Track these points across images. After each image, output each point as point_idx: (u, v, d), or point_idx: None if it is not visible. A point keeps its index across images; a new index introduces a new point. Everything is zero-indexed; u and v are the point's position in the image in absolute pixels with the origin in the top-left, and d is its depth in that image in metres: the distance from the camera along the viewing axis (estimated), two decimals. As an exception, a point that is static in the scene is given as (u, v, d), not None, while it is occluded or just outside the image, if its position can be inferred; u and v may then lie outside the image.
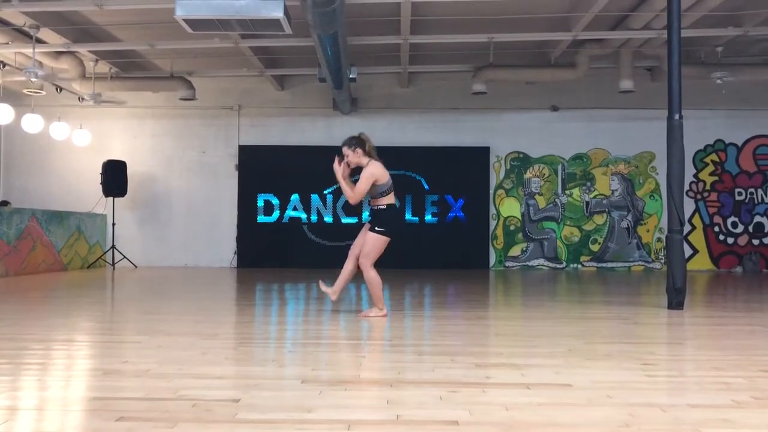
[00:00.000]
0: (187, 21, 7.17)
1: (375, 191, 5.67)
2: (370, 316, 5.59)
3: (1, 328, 4.91)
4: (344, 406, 2.72)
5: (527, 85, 12.15)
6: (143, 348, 4.11)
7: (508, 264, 12.86)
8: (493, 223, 12.87)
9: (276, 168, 12.89)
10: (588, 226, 12.88)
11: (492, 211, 12.87)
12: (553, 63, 11.16)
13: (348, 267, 5.80)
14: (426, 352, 4.02)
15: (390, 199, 5.74)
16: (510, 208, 12.90)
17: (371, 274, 5.68)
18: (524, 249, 12.89)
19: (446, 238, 12.70)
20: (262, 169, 12.95)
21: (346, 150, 5.76)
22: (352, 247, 5.84)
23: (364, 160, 5.67)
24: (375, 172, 5.61)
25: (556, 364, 3.62)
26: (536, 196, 12.91)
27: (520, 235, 12.88)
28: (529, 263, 12.86)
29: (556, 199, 12.90)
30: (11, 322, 5.19)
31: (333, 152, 13.45)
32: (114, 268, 12.18)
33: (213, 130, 13.17)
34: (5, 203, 11.76)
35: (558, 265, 12.83)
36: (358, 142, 5.73)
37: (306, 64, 11.20)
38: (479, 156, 12.79)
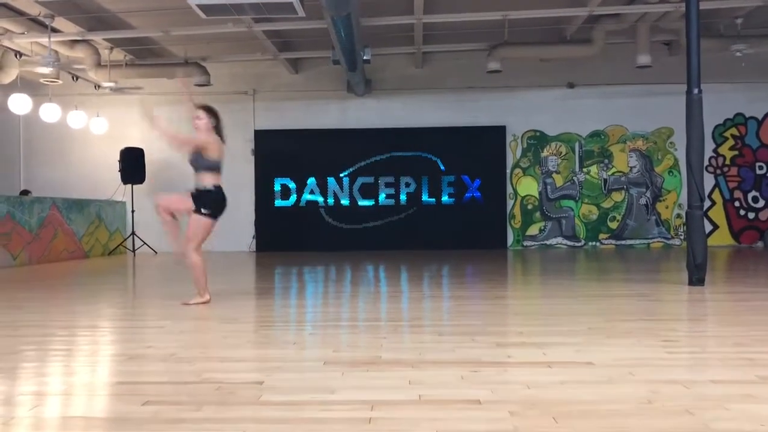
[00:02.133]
0: (200, 6, 7.17)
1: (206, 162, 5.40)
2: (191, 304, 5.28)
3: (26, 315, 4.99)
4: (366, 387, 2.75)
5: (542, 63, 12.03)
6: (166, 333, 4.16)
7: (526, 243, 12.82)
8: (510, 203, 12.83)
9: (292, 152, 12.92)
10: (606, 204, 12.80)
11: (509, 190, 12.83)
12: (568, 39, 11.04)
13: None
14: (446, 332, 4.03)
15: (218, 179, 5.51)
16: (527, 186, 12.84)
17: (195, 259, 5.35)
18: (542, 228, 12.84)
19: (463, 219, 12.69)
20: (278, 153, 12.98)
21: (203, 114, 5.55)
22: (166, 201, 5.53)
23: (210, 135, 5.50)
24: (214, 141, 5.48)
25: (577, 342, 3.62)
26: (554, 175, 12.84)
27: (537, 214, 12.83)
28: (548, 242, 12.82)
29: (574, 177, 12.82)
30: (36, 310, 5.28)
31: (348, 135, 13.53)
32: (134, 255, 12.31)
33: (228, 115, 12.99)
34: (26, 192, 11.90)
35: (576, 244, 12.78)
36: (217, 117, 5.61)
37: (320, 47, 11.17)
38: (495, 135, 12.73)
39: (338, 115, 12.98)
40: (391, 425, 2.24)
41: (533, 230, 12.86)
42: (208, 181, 5.41)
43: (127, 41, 11.18)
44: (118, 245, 12.55)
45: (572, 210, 12.82)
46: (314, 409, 2.43)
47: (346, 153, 12.92)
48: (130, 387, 2.79)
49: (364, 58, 10.40)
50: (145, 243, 12.50)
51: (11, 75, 11.14)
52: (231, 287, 7.01)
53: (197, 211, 5.35)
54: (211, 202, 5.40)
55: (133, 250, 12.53)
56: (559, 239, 12.83)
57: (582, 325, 4.17)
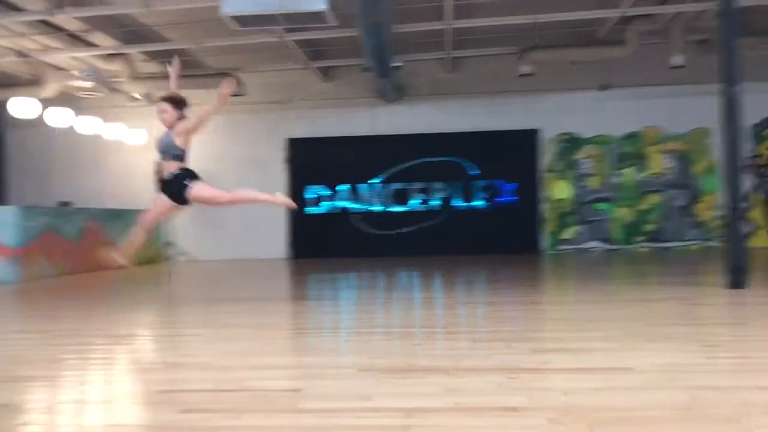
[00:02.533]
0: (233, 18, 7.28)
1: (176, 151, 5.63)
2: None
3: (68, 324, 5.11)
4: (402, 394, 2.75)
5: (574, 65, 11.93)
6: (204, 341, 4.23)
7: (560, 247, 12.71)
8: (544, 207, 12.73)
9: (324, 159, 13.00)
10: (642, 206, 12.61)
11: (543, 194, 12.73)
12: (600, 41, 10.93)
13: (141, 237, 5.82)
14: (481, 338, 4.02)
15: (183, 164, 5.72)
16: (561, 190, 12.73)
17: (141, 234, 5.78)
18: (577, 231, 12.71)
19: (496, 224, 12.62)
20: (310, 161, 13.08)
21: (166, 106, 5.70)
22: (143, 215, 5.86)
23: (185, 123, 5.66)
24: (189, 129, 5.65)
25: (614, 348, 3.58)
26: (588, 178, 12.70)
27: (572, 218, 12.71)
28: (583, 246, 12.68)
29: (609, 180, 12.66)
30: (77, 319, 5.40)
31: (379, 141, 13.59)
32: (173, 263, 12.49)
33: (262, 124, 13.35)
34: (66, 203, 12.18)
35: (612, 247, 12.62)
36: (184, 103, 5.75)
37: (351, 55, 11.24)
38: (528, 139, 12.65)
39: (369, 122, 13.04)
40: (427, 433, 2.25)
41: (568, 234, 12.73)
42: (176, 166, 5.66)
43: (162, 53, 11.38)
44: (157, 254, 12.76)
45: (607, 213, 12.67)
46: (350, 416, 2.45)
47: (378, 159, 12.97)
48: (170, 395, 2.84)
49: (395, 64, 10.43)
50: (182, 251, 12.69)
51: (52, 89, 11.43)
52: (266, 294, 7.08)
53: (179, 192, 5.63)
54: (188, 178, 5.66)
55: (170, 259, 12.72)
56: (595, 243, 12.67)
57: (619, 330, 4.12)
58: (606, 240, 12.66)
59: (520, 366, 3.22)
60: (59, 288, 8.18)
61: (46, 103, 11.45)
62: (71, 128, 11.93)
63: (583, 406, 2.52)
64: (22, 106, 10.52)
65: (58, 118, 11.05)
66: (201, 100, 12.86)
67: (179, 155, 5.65)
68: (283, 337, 4.41)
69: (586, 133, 12.68)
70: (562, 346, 3.68)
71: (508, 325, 4.54)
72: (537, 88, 12.36)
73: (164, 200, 5.70)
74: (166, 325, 5.08)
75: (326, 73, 12.91)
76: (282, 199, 5.87)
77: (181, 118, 5.67)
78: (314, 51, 11.66)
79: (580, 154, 12.72)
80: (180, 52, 11.33)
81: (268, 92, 13.07)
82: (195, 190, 5.61)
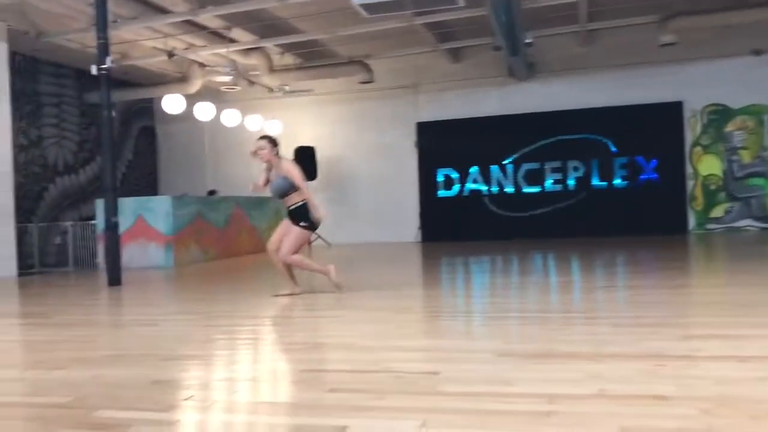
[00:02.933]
0: (362, 6, 7.39)
1: (291, 189, 5.61)
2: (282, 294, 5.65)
3: (219, 306, 5.45)
4: (543, 379, 2.70)
5: (723, 30, 11.05)
6: (343, 322, 4.36)
7: (709, 227, 11.91)
8: (690, 184, 11.98)
9: (454, 142, 12.95)
10: (803, 181, 11.55)
11: (689, 170, 11.97)
12: (753, 1, 10.05)
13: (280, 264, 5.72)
14: (623, 324, 3.86)
15: (301, 195, 5.64)
16: (709, 165, 11.90)
17: (296, 259, 5.65)
18: (728, 209, 11.85)
19: (638, 203, 12.03)
20: (440, 144, 13.07)
21: (264, 143, 5.68)
22: (270, 244, 5.76)
23: (276, 158, 5.68)
24: (291, 166, 5.69)
25: (774, 335, 3.32)
26: (740, 151, 11.79)
27: (722, 195, 11.86)
28: (734, 224, 11.81)
29: (764, 153, 11.69)
30: (227, 301, 5.75)
31: (511, 120, 13.30)
32: (310, 247, 12.98)
33: (391, 109, 13.50)
34: (213, 192, 12.95)
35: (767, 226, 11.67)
36: (275, 142, 5.76)
37: (480, 35, 11.07)
38: (671, 112, 11.93)
39: (500, 102, 12.81)
40: (572, 420, 2.19)
41: (717, 212, 11.90)
42: (295, 199, 5.66)
43: (296, 45, 11.78)
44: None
45: (763, 189, 11.70)
46: (493, 400, 2.44)
47: (510, 140, 12.73)
48: (315, 374, 2.96)
49: (526, 41, 10.15)
50: (319, 236, 13.14)
51: (196, 85, 12.18)
52: (399, 278, 7.18)
53: (296, 223, 5.64)
54: (306, 215, 5.64)
55: (309, 243, 13.22)
56: (748, 221, 11.76)
57: (780, 316, 3.81)
58: (760, 218, 11.71)
59: (667, 353, 3.06)
60: (208, 272, 8.74)
61: (191, 98, 12.19)
62: (215, 121, 12.64)
63: (741, 396, 2.36)
64: (170, 102, 11.28)
65: (204, 111, 11.75)
66: (332, 88, 13.28)
67: (296, 188, 5.67)
68: (418, 320, 4.46)
69: (737, 103, 11.76)
70: (713, 333, 3.47)
71: (652, 310, 4.32)
72: (680, 57, 11.60)
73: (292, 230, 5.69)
74: (306, 306, 5.28)
75: (455, 54, 12.81)
76: (332, 273, 5.78)
77: (276, 154, 5.76)
78: (442, 33, 11.58)
79: (731, 126, 11.82)
80: (312, 43, 11.70)
81: (396, 77, 13.17)
82: (296, 237, 5.63)
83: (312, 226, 5.71)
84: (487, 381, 2.71)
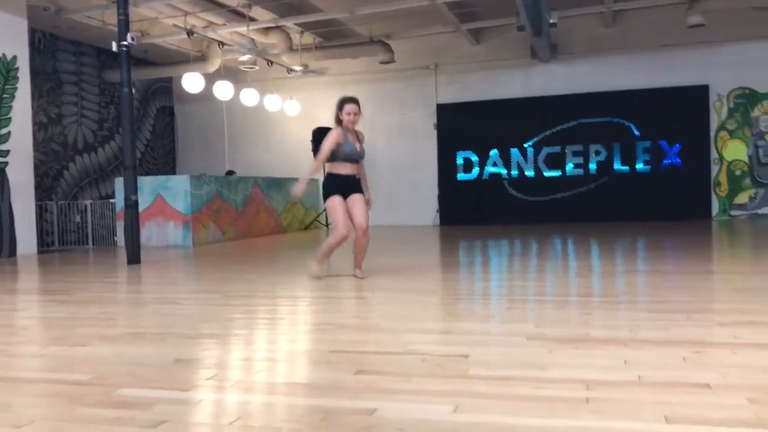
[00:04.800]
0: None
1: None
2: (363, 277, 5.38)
3: (238, 285, 5.40)
4: (578, 365, 2.61)
5: (754, 12, 10.77)
6: (368, 303, 4.29)
7: (733, 213, 11.70)
8: (715, 169, 11.76)
9: (474, 124, 12.79)
10: (832, 167, 11.29)
11: (714, 155, 11.75)
12: (786, -18, 9.78)
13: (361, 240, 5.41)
14: (656, 309, 3.75)
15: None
16: (735, 150, 11.67)
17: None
18: (753, 196, 11.63)
19: (661, 188, 11.84)
20: (460, 127, 12.92)
21: (356, 109, 5.38)
22: (346, 228, 5.30)
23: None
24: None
25: (816, 323, 3.19)
26: (766, 136, 11.54)
27: (747, 181, 11.64)
28: (760, 211, 11.59)
29: (791, 138, 11.44)
30: (246, 281, 5.69)
31: (532, 103, 13.10)
32: (328, 229, 12.92)
33: (411, 91, 13.35)
34: (231, 173, 12.90)
35: (795, 213, 11.44)
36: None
37: (502, 15, 10.88)
38: (697, 96, 11.69)
39: (522, 84, 12.62)
40: (612, 407, 2.10)
41: (742, 198, 11.68)
42: (358, 171, 5.51)
43: (316, 24, 11.64)
44: (313, 220, 13.24)
45: (790, 175, 11.47)
46: (527, 386, 2.34)
47: (530, 122, 12.54)
48: (342, 355, 2.88)
49: (551, 21, 9.95)
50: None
51: (215, 64, 12.09)
52: (420, 261, 7.10)
53: (361, 193, 5.46)
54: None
55: (327, 225, 13.16)
56: (774, 208, 11.55)
57: (819, 304, 3.68)
58: (787, 205, 11.49)
59: (705, 340, 2.96)
60: (227, 252, 8.70)
61: (210, 77, 12.11)
62: (234, 101, 12.56)
63: (790, 386, 2.25)
64: (190, 81, 11.20)
65: (222, 91, 11.67)
66: (351, 69, 13.14)
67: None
68: (442, 302, 4.37)
69: (765, 87, 11.50)
70: (753, 319, 3.34)
71: (683, 295, 4.21)
72: (708, 39, 11.34)
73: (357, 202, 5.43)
74: (329, 287, 5.21)
75: (476, 35, 12.61)
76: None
77: None
78: (464, 13, 11.39)
79: (757, 111, 11.57)
80: (332, 22, 11.56)
81: (417, 58, 13.00)
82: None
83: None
84: (520, 365, 2.62)
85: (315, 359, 2.92)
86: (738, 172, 11.68)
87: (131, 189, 7.43)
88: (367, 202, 5.47)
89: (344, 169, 5.40)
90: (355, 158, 5.43)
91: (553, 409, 2.09)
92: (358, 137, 5.51)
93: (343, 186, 5.40)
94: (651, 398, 2.17)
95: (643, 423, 1.94)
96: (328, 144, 5.33)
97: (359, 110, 5.44)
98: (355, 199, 5.38)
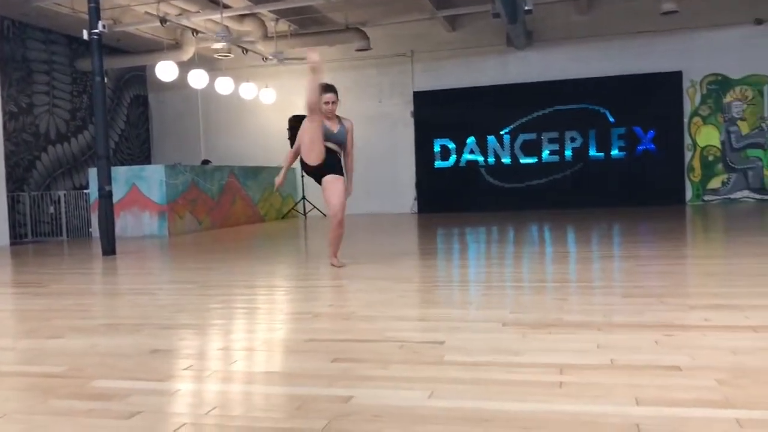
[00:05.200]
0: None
1: (343, 145, 5.44)
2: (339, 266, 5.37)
3: (214, 275, 5.37)
4: (552, 349, 2.64)
5: (726, -1, 10.90)
6: (344, 292, 4.29)
7: (706, 198, 11.88)
8: (688, 155, 11.91)
9: (451, 112, 12.81)
10: (802, 152, 11.49)
11: (687, 141, 11.89)
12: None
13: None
14: (630, 293, 3.80)
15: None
16: (708, 136, 11.83)
17: None
18: (725, 181, 11.81)
19: (635, 173, 11.97)
20: (437, 114, 12.93)
21: (334, 98, 5.37)
22: (340, 206, 5.32)
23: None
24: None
25: (784, 305, 3.26)
26: (738, 122, 11.71)
27: (720, 166, 11.81)
28: (732, 196, 11.78)
29: (762, 124, 11.62)
30: (222, 270, 5.66)
31: (508, 90, 13.12)
32: (306, 218, 12.89)
33: (387, 78, 13.32)
34: (207, 162, 12.80)
35: (765, 197, 11.63)
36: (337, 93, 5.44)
37: (478, 1, 10.86)
38: (670, 82, 11.81)
39: (498, 71, 12.65)
40: (584, 390, 2.13)
41: (715, 183, 11.86)
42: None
43: (291, 11, 11.54)
44: (291, 209, 13.20)
45: (761, 160, 11.65)
46: (501, 370, 2.37)
47: (507, 110, 12.59)
48: (318, 344, 2.89)
49: (526, 8, 9.96)
50: (315, 207, 13.05)
51: (189, 52, 11.95)
52: (397, 248, 7.12)
53: (341, 174, 5.43)
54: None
55: (305, 214, 13.13)
56: (746, 192, 11.73)
57: (787, 286, 3.76)
58: (758, 190, 11.68)
59: (677, 323, 3.01)
60: (203, 241, 8.65)
61: (184, 66, 11.97)
62: (209, 89, 12.44)
63: (759, 367, 2.30)
64: (163, 70, 11.06)
65: (197, 79, 11.55)
66: (327, 56, 13.06)
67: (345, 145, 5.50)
68: (418, 289, 4.39)
69: (737, 74, 11.65)
70: (722, 303, 3.41)
71: (656, 280, 4.27)
72: (681, 26, 11.45)
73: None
74: (306, 276, 5.21)
75: (452, 22, 12.60)
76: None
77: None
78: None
79: (730, 97, 11.72)
80: (307, 9, 11.47)
81: (393, 45, 12.97)
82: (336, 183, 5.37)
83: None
84: (495, 350, 2.64)
85: (292, 348, 2.92)
86: (711, 158, 11.85)
87: (105, 179, 7.35)
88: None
89: (317, 154, 5.36)
90: (330, 140, 5.40)
91: (526, 394, 2.12)
92: (342, 122, 5.45)
93: (319, 173, 5.43)
94: (623, 381, 2.21)
95: (614, 405, 1.98)
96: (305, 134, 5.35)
97: (337, 98, 5.42)
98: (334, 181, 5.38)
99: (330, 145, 5.37)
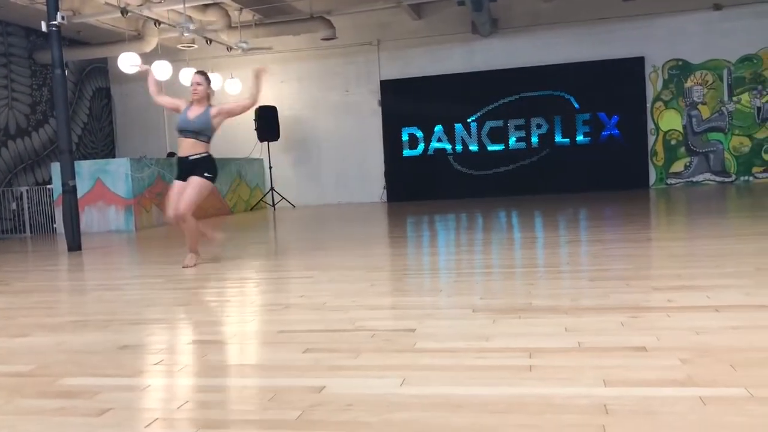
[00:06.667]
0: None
1: (206, 134, 5.35)
2: (190, 266, 5.30)
3: (183, 269, 5.32)
4: (521, 334, 2.68)
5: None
6: (316, 282, 4.29)
7: (670, 181, 12.10)
8: (651, 139, 12.10)
9: (418, 100, 12.81)
10: (760, 134, 11.75)
11: (650, 125, 12.08)
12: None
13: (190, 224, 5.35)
14: (596, 277, 3.87)
15: (209, 147, 5.44)
16: (670, 121, 12.03)
17: (194, 223, 5.39)
18: (688, 164, 12.04)
19: (601, 159, 12.12)
20: (404, 103, 12.92)
21: (199, 79, 5.37)
22: (174, 205, 5.29)
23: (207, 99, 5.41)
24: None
25: (744, 285, 3.35)
26: (699, 106, 11.93)
27: (682, 150, 12.03)
28: (694, 179, 12.01)
29: (722, 108, 11.85)
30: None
31: (474, 78, 13.13)
32: (274, 209, 12.83)
33: (354, 67, 13.27)
34: (173, 154, 12.63)
35: (726, 179, 11.88)
36: (209, 80, 5.47)
37: (443, -11, 10.88)
38: (633, 68, 11.96)
39: (464, 59, 12.68)
40: (553, 373, 2.17)
41: (678, 167, 12.08)
42: (209, 148, 5.44)
43: (256, 1, 11.42)
44: (259, 201, 13.12)
45: (721, 143, 11.89)
46: (472, 356, 2.40)
47: (473, 97, 12.64)
48: (290, 335, 2.89)
49: (490, -4, 10.02)
50: (283, 198, 12.99)
51: (151, 43, 11.75)
52: (366, 238, 7.13)
53: (201, 175, 5.34)
54: (214, 167, 5.47)
55: (273, 205, 13.06)
56: (707, 175, 11.97)
57: (747, 266, 3.86)
58: (719, 173, 11.92)
59: (642, 305, 3.08)
60: (170, 235, 8.55)
61: (147, 57, 11.77)
62: (173, 81, 12.25)
63: (719, 346, 2.37)
64: (125, 61, 10.86)
65: (160, 71, 11.36)
66: (292, 46, 12.97)
67: (209, 137, 5.40)
68: (389, 278, 4.41)
69: (697, 59, 11.85)
70: (685, 284, 3.49)
71: (621, 263, 4.35)
72: (643, 12, 11.60)
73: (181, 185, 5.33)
74: (276, 267, 5.19)
75: (417, 10, 12.59)
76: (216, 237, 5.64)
77: (210, 95, 5.50)
78: (405, -12, 11.35)
79: (691, 81, 11.92)
80: (272, -2, 11.36)
81: (359, 34, 12.92)
82: (200, 188, 5.31)
83: (214, 179, 5.43)
84: (465, 337, 2.68)
85: (263, 340, 2.92)
86: (673, 142, 12.05)
87: (68, 174, 7.22)
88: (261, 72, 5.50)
89: (182, 148, 5.33)
90: (187, 130, 5.29)
91: (497, 378, 2.15)
92: (210, 111, 5.34)
93: (180, 170, 5.38)
94: (590, 363, 2.25)
95: (582, 387, 2.02)
96: (168, 99, 5.55)
97: (204, 81, 5.36)
98: (187, 182, 5.28)
99: (186, 139, 5.29)
